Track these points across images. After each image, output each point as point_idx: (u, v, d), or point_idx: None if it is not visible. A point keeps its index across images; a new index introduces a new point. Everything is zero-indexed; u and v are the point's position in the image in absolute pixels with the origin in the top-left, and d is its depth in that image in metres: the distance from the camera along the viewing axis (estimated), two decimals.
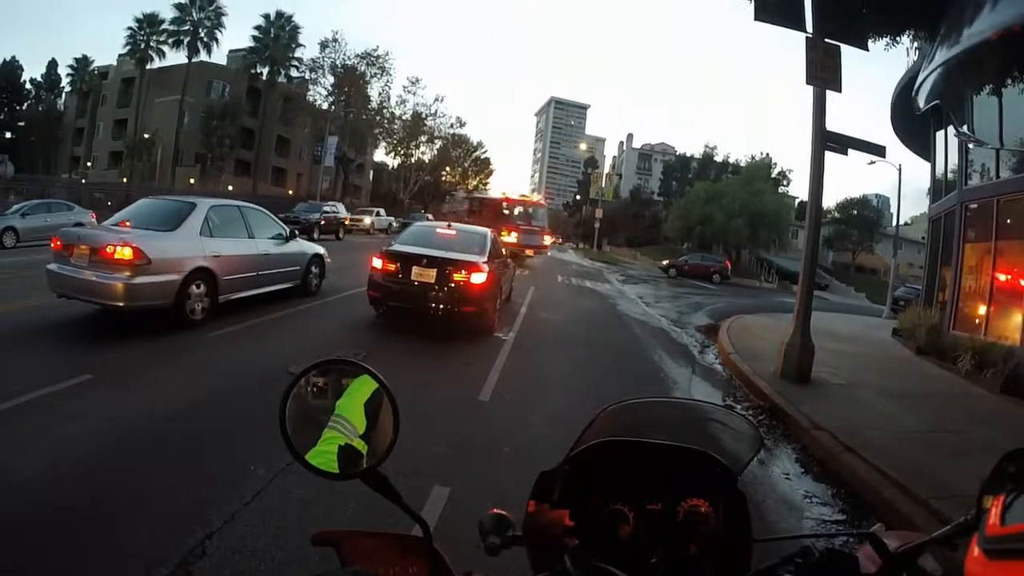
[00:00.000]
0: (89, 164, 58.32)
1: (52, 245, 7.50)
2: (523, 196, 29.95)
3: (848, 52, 8.07)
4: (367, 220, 38.13)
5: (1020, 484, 0.67)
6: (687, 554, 1.05)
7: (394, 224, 39.79)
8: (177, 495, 3.40)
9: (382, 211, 42.61)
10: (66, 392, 4.87)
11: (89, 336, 6.77)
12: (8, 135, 60.90)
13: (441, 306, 8.15)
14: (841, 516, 4.30)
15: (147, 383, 5.39)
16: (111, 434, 4.18)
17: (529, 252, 25.82)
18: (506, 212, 26.67)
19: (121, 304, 6.78)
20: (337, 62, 51.84)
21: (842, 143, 8.29)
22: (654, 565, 1.00)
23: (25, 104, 64.30)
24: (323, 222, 26.73)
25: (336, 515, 3.20)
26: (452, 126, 61.93)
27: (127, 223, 7.66)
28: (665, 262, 36.68)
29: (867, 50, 8.58)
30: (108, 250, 6.77)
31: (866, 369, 9.43)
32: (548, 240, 27.89)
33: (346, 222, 30.92)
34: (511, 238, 24.52)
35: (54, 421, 4.28)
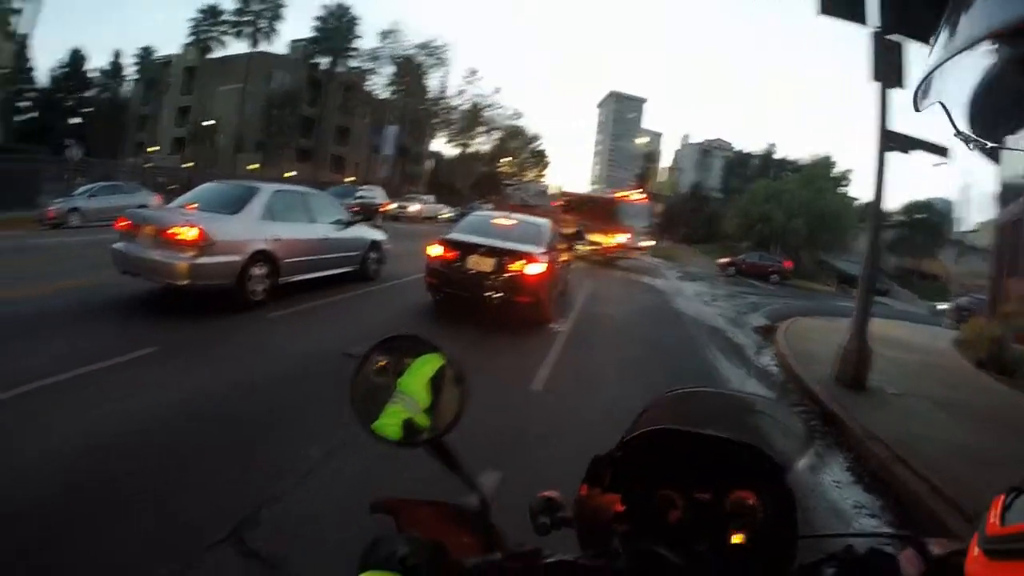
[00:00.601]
0: (153, 149, 60.39)
1: (118, 225, 7.80)
2: (627, 193, 27.94)
3: (914, 49, 7.82)
4: (414, 207, 35.98)
5: (1020, 485, 0.67)
6: (733, 544, 1.06)
7: (445, 213, 38.56)
8: (233, 467, 3.55)
9: (431, 198, 40.75)
10: (131, 363, 5.14)
11: (153, 313, 7.06)
12: (75, 121, 63.39)
13: (497, 295, 8.20)
14: (889, 529, 4.22)
15: (208, 359, 5.62)
16: (170, 405, 4.37)
17: (634, 254, 24.52)
18: (609, 211, 24.31)
19: (184, 283, 7.02)
20: (396, 52, 52.60)
21: (904, 144, 8.02)
22: (700, 552, 1.01)
23: (91, 92, 66.80)
24: (355, 208, 23.56)
25: (389, 491, 3.28)
26: (510, 117, 62.22)
27: (192, 206, 7.94)
28: (723, 260, 36.04)
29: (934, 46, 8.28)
30: (173, 231, 7.03)
31: (923, 379, 9.14)
32: (650, 242, 26.21)
33: (383, 209, 29.01)
34: (620, 239, 23.30)
35: (119, 390, 4.52)
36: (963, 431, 6.47)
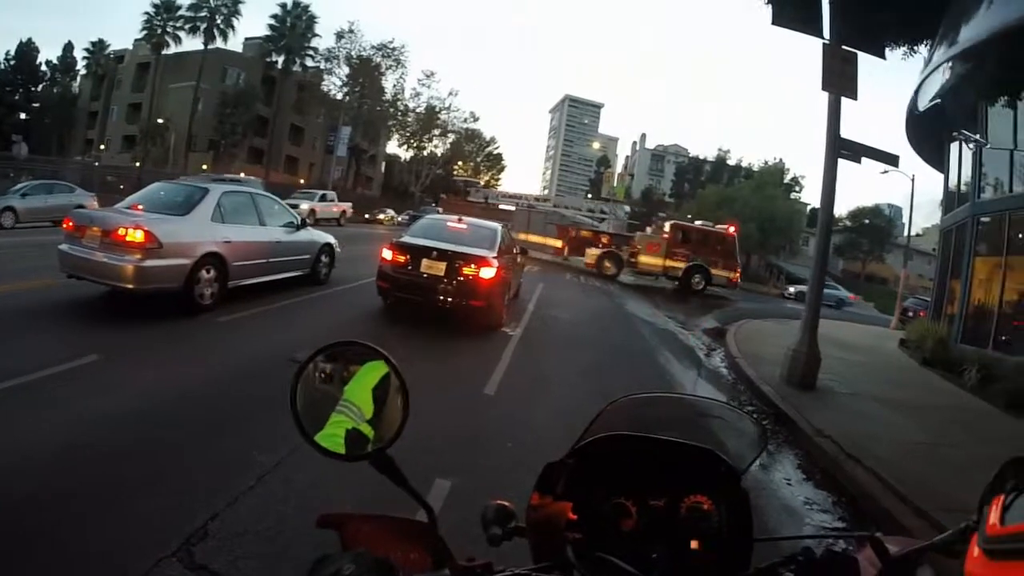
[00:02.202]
0: (102, 147, 58.67)
1: (64, 226, 7.53)
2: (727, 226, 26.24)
3: (866, 61, 8.05)
4: (304, 206, 26.84)
5: (1020, 485, 0.67)
6: (688, 550, 1.06)
7: (350, 212, 32.71)
8: (180, 478, 3.43)
9: (333, 194, 32.56)
10: (72, 372, 4.92)
11: (97, 317, 6.82)
12: (23, 116, 61.31)
13: (449, 299, 8.16)
14: (841, 524, 4.31)
15: (154, 366, 5.43)
16: (115, 415, 4.20)
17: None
18: (724, 244, 23.73)
19: (131, 286, 6.81)
20: (352, 53, 52.27)
21: (856, 151, 8.25)
22: (655, 560, 1.00)
23: (40, 86, 64.66)
24: None
25: (338, 502, 3.20)
26: (466, 120, 62.35)
27: (139, 206, 7.69)
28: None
29: (884, 58, 8.55)
30: (120, 232, 6.80)
31: (871, 379, 9.40)
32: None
33: None
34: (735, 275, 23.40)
35: (60, 400, 4.33)
36: (911, 428, 6.67)
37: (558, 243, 26.11)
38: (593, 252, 24.58)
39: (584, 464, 1.11)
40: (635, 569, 0.89)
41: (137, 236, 6.77)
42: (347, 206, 32.84)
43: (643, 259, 24.10)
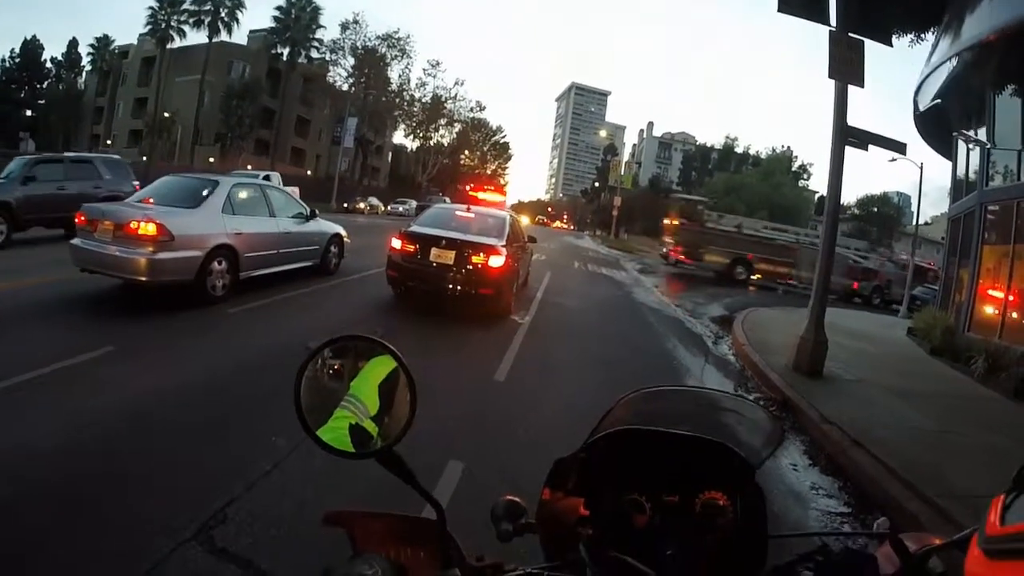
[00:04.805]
0: (109, 142, 58.70)
1: (77, 220, 7.60)
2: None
3: (873, 48, 8.00)
4: None
5: (1020, 484, 0.67)
6: (703, 547, 1.04)
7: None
8: (197, 464, 3.50)
9: (276, 176, 26.50)
10: (90, 362, 5.02)
11: (111, 310, 6.89)
12: (29, 113, 61.45)
13: (459, 288, 8.21)
14: (846, 509, 4.33)
15: (168, 356, 5.52)
16: (133, 404, 4.28)
17: None
18: None
19: (144, 279, 6.89)
20: (358, 44, 52.26)
21: (863, 139, 8.20)
22: (669, 557, 0.99)
23: (46, 83, 64.79)
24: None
25: (354, 487, 3.22)
26: (472, 110, 62.19)
27: (150, 200, 7.78)
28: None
29: (891, 46, 8.49)
30: (132, 226, 6.87)
31: (878, 367, 9.37)
32: None
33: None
34: None
35: (78, 390, 4.41)
36: (917, 415, 6.66)
37: (849, 283, 27.10)
38: (867, 285, 27.09)
39: (596, 459, 1.09)
40: (649, 567, 0.88)
41: (149, 229, 6.84)
42: (294, 191, 25.47)
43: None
